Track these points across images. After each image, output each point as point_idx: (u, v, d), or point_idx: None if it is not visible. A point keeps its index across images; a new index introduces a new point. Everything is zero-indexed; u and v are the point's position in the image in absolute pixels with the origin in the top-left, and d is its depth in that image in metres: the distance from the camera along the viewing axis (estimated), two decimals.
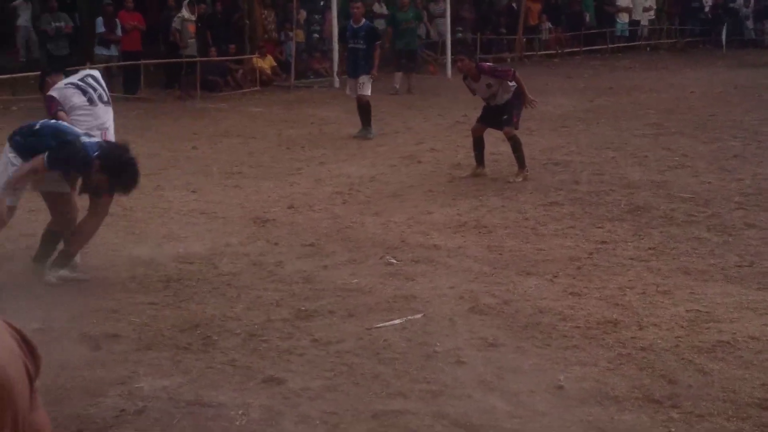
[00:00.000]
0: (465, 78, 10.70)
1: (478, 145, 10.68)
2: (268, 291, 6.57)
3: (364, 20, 14.31)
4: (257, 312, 6.11)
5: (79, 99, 7.61)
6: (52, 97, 7.65)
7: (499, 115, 10.44)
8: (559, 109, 16.37)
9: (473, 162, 10.82)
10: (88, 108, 7.60)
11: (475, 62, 10.77)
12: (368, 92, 13.75)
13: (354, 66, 13.91)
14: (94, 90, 7.73)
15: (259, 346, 5.49)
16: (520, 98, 10.44)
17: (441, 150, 12.52)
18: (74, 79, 7.84)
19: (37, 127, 6.83)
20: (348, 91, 14.27)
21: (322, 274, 6.99)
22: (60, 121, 7.13)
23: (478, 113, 10.84)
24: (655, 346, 5.41)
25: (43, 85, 8.04)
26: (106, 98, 7.82)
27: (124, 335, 5.68)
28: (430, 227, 8.40)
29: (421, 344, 5.49)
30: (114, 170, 6.53)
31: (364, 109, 13.76)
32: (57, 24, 19.35)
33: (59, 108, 7.55)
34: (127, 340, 5.61)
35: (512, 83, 10.34)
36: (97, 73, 8.15)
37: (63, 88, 7.70)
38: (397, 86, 20.11)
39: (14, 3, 21.02)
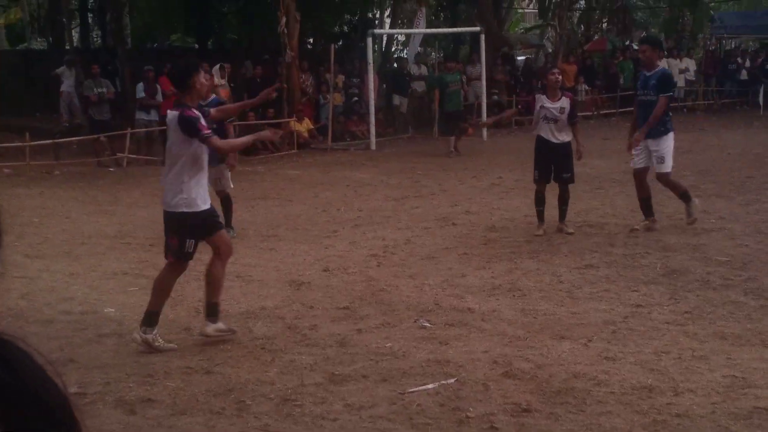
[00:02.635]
0: (540, 94, 10.94)
1: (542, 202, 10.87)
2: (302, 355, 6.60)
3: (213, 95, 11.18)
4: (291, 376, 6.13)
5: None
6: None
7: (559, 171, 10.73)
8: (594, 170, 16.36)
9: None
10: None
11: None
12: (230, 185, 11.38)
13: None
14: None
15: (293, 411, 5.51)
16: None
17: (476, 212, 12.56)
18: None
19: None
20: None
21: (356, 338, 7.01)
22: None
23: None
24: (691, 412, 5.35)
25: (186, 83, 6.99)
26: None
27: (158, 400, 5.73)
28: (465, 290, 8.41)
29: (454, 409, 5.48)
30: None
31: (227, 205, 11.26)
32: (99, 90, 19.81)
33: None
34: (162, 404, 5.66)
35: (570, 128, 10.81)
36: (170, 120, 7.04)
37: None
38: (453, 149, 19.87)
39: (58, 70, 21.62)
